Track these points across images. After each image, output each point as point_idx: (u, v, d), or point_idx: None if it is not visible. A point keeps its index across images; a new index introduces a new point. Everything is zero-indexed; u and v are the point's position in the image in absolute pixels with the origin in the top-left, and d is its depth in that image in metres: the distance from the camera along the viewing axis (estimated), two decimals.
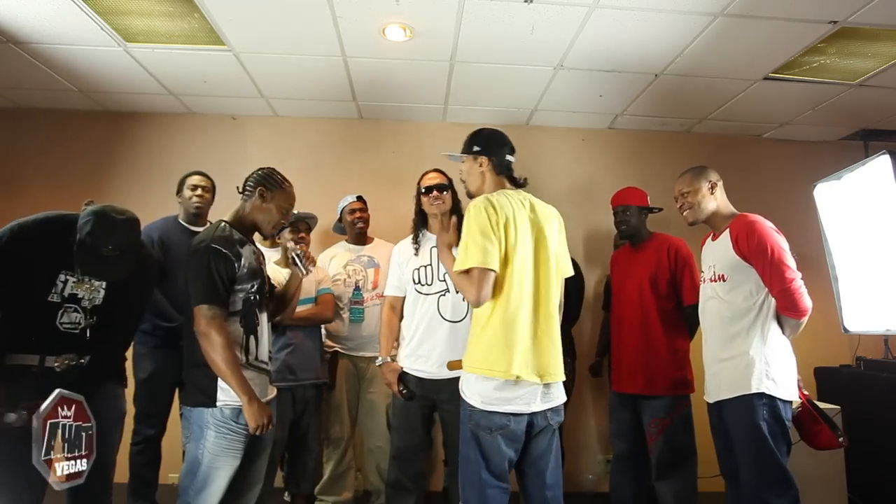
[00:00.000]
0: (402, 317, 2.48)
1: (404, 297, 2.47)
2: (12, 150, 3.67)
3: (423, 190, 2.45)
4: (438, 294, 2.36)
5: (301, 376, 2.62)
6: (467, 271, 1.78)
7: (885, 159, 2.85)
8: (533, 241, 1.87)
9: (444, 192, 2.43)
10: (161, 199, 3.07)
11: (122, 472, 2.13)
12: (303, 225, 2.72)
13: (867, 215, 3.03)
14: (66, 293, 1.84)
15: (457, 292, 2.36)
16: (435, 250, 2.42)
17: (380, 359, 2.46)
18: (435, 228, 2.47)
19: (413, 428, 2.38)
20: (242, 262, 1.89)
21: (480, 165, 1.99)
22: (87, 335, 1.88)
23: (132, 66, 3.11)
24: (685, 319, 2.60)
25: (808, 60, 2.90)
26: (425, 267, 2.41)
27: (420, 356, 2.34)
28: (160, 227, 2.71)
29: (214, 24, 2.67)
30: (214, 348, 1.78)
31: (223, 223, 1.96)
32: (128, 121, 3.75)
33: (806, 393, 2.13)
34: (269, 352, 2.04)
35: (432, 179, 2.46)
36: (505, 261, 1.80)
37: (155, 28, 2.73)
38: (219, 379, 1.83)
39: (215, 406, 1.82)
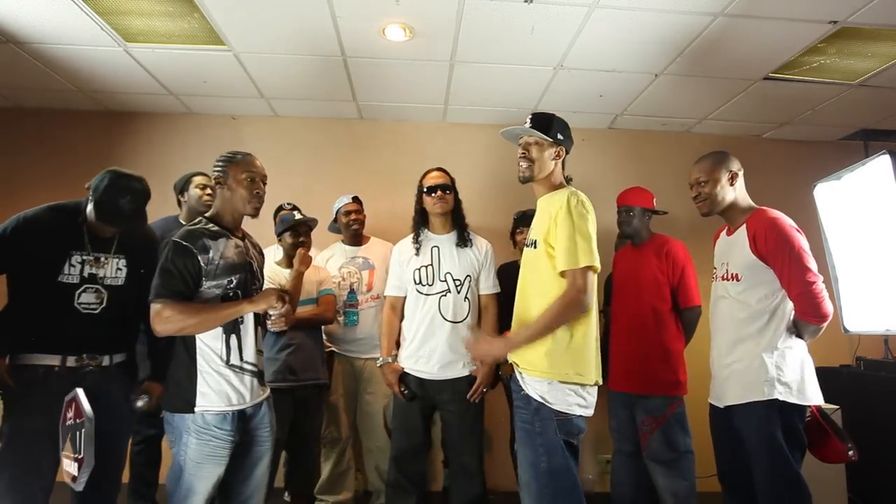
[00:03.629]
0: (402, 317, 2.48)
1: (405, 297, 2.47)
2: (12, 150, 3.67)
3: (426, 189, 2.43)
4: (439, 294, 2.36)
5: (302, 377, 2.62)
6: (583, 271, 1.70)
7: (885, 159, 2.85)
8: None
9: (448, 192, 2.42)
10: (161, 198, 3.04)
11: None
12: (303, 227, 2.71)
13: (867, 215, 3.03)
14: (85, 273, 1.87)
15: (458, 292, 2.37)
16: (436, 250, 2.43)
17: (380, 359, 2.47)
18: (436, 228, 2.47)
19: (413, 428, 2.38)
20: (211, 255, 1.76)
21: (558, 155, 1.90)
22: (107, 316, 1.89)
23: (132, 66, 3.11)
24: (683, 321, 2.61)
25: (808, 60, 2.90)
26: (426, 267, 2.41)
27: (421, 357, 2.34)
28: (161, 227, 2.70)
29: (214, 24, 2.67)
30: (176, 320, 1.67)
31: (202, 218, 1.88)
32: (128, 121, 3.75)
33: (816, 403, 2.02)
34: (261, 351, 1.93)
35: (435, 179, 2.44)
36: None
37: (155, 28, 2.72)
38: (198, 383, 1.74)
39: (194, 412, 1.72)
